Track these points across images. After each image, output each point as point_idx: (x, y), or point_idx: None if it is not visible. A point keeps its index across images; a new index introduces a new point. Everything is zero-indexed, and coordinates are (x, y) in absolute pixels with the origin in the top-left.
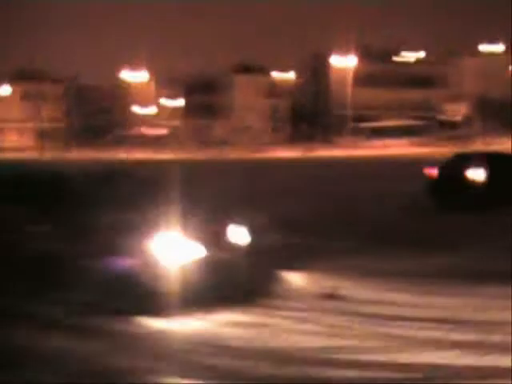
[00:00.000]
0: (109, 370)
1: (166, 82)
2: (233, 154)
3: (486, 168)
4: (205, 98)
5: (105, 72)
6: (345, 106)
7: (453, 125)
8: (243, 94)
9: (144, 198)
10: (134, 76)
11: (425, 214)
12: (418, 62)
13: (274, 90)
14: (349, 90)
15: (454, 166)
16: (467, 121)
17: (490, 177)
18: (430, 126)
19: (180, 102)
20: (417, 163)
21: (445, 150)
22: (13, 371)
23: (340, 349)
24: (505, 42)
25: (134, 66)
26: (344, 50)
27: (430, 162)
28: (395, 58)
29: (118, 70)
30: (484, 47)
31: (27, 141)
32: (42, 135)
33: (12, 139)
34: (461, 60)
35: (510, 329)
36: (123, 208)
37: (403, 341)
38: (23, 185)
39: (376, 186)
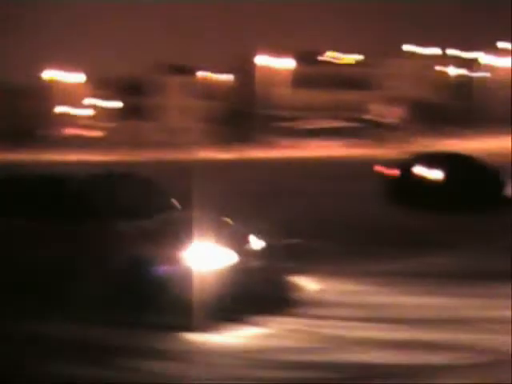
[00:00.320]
0: None
1: (101, 83)
2: (167, 155)
3: (444, 168)
4: (140, 99)
5: (33, 72)
6: (278, 107)
7: (388, 126)
8: (178, 95)
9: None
10: (66, 76)
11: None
12: (354, 64)
13: (210, 91)
14: (282, 91)
15: (413, 166)
16: (402, 122)
17: (448, 176)
18: (365, 127)
19: (116, 104)
20: (359, 164)
21: (381, 151)
22: None
23: None
24: (437, 45)
25: (66, 66)
26: (277, 52)
27: (380, 161)
28: (330, 60)
29: (48, 70)
30: (415, 49)
31: None
32: None
33: None
34: (394, 62)
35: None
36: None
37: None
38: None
39: (330, 187)
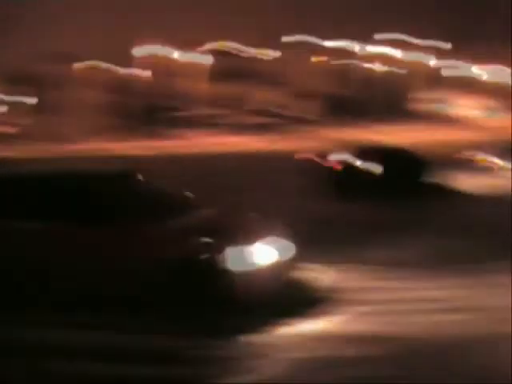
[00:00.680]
0: None
1: (9, 79)
2: (66, 149)
3: (382, 161)
4: (49, 93)
5: None
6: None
7: (301, 120)
8: (85, 89)
9: None
10: None
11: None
12: (264, 59)
13: (121, 85)
14: (192, 84)
15: (355, 159)
16: (315, 117)
17: (386, 169)
18: (280, 122)
19: (30, 100)
20: (283, 158)
21: (296, 144)
22: None
23: None
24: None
25: None
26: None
27: (309, 155)
28: (245, 55)
29: None
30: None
31: None
32: None
33: None
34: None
35: None
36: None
37: None
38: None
39: (261, 181)
